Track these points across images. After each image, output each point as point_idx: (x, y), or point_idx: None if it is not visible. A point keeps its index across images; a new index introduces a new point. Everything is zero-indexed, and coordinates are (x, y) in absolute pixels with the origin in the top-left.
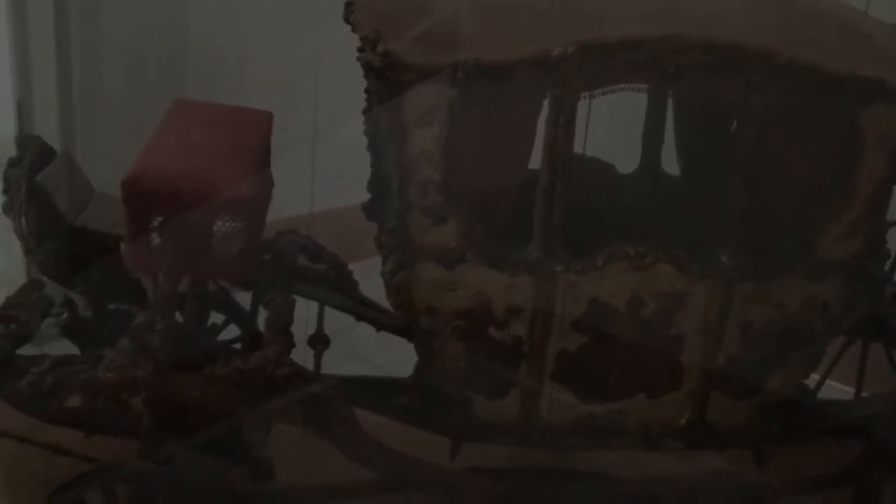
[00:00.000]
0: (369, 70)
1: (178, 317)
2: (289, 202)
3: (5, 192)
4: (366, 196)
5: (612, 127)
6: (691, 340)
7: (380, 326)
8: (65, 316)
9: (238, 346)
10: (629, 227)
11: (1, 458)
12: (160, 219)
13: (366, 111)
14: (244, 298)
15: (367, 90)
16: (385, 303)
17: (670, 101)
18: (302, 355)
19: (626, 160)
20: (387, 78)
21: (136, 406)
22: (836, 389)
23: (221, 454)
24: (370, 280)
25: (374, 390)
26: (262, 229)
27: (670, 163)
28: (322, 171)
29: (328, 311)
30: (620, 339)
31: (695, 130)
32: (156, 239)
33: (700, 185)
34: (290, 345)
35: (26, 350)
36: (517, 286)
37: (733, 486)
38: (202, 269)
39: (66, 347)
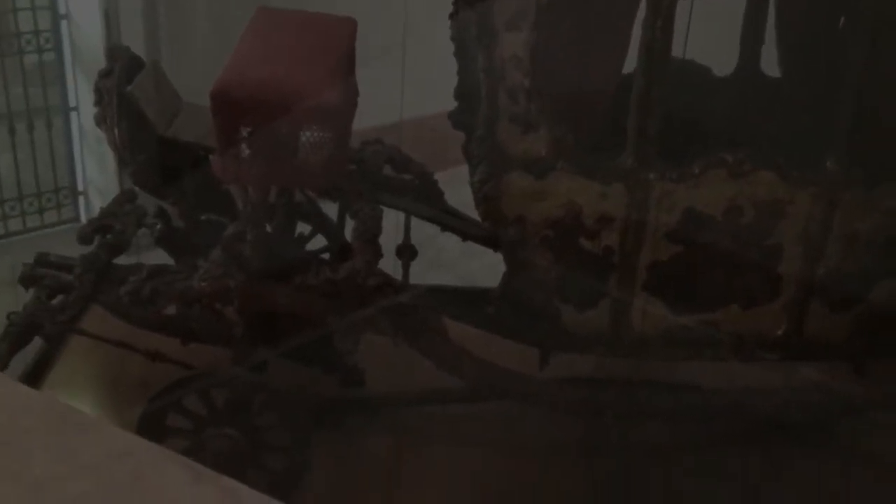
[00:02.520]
0: None
1: (268, 227)
2: (374, 111)
3: (97, 103)
4: (452, 104)
5: (708, 27)
6: (790, 250)
7: (465, 236)
8: (158, 226)
9: (326, 256)
10: (727, 134)
11: (102, 363)
12: (248, 129)
13: (453, 15)
14: (331, 209)
15: None
16: (471, 212)
17: None
18: (389, 265)
19: (723, 62)
20: None
21: (230, 315)
22: None
23: (312, 362)
24: (455, 188)
25: (463, 300)
26: (348, 138)
27: (770, 65)
28: (407, 78)
29: (414, 220)
30: (715, 248)
31: (799, 28)
32: (244, 149)
33: (803, 88)
34: (378, 255)
35: (122, 260)
36: (609, 195)
37: (830, 399)
38: (290, 179)
39: (160, 257)
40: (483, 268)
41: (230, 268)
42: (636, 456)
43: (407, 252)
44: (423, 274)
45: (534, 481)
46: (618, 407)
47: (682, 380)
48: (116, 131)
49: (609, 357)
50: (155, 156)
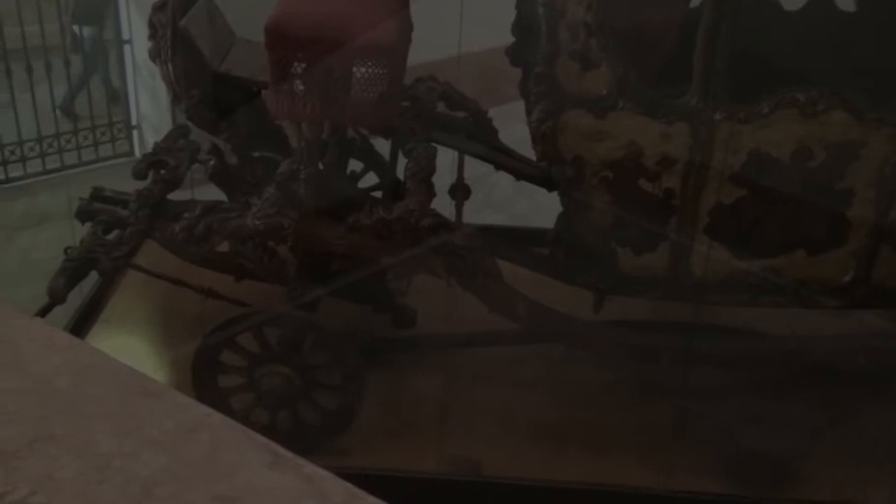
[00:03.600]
0: None
1: (321, 165)
2: (428, 46)
3: (151, 37)
4: (509, 39)
5: None
6: (862, 194)
7: (520, 176)
8: (212, 162)
9: (378, 194)
10: (798, 71)
11: (158, 299)
12: (302, 65)
13: None
14: (383, 147)
15: None
16: (525, 150)
17: None
18: (442, 204)
19: None
20: None
21: (283, 253)
22: None
23: (365, 301)
24: (510, 126)
25: (517, 241)
26: (401, 75)
27: None
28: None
29: (467, 158)
30: (782, 192)
31: None
32: (298, 85)
33: (878, 21)
34: (432, 194)
35: (176, 196)
36: (672, 136)
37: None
38: (343, 116)
39: (214, 193)
40: (537, 208)
41: (283, 206)
42: (691, 400)
43: (460, 191)
44: (476, 214)
45: (584, 424)
46: (671, 352)
47: (740, 325)
48: (170, 66)
49: (666, 301)
50: (208, 91)
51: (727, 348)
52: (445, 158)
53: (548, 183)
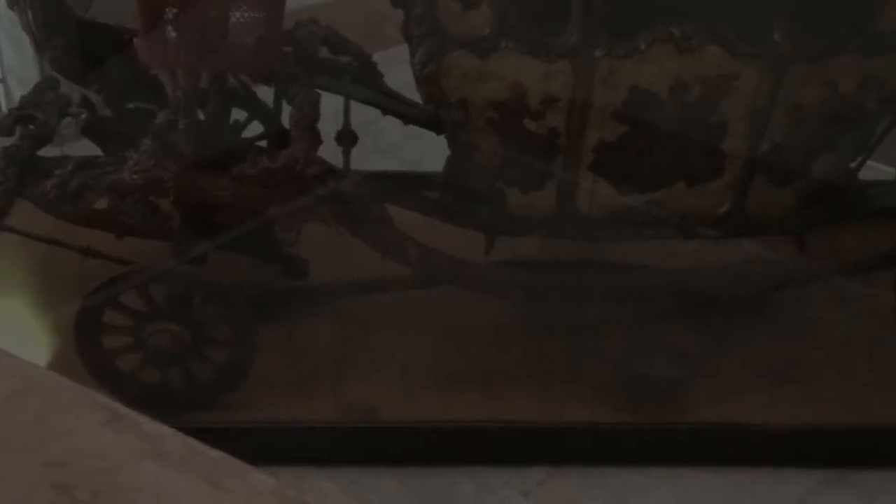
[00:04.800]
0: None
1: (200, 115)
2: None
3: None
4: None
5: None
6: (736, 127)
7: (407, 120)
8: (83, 116)
9: (263, 143)
10: (674, 8)
11: (33, 261)
12: (174, 10)
13: None
14: (266, 94)
15: None
16: (412, 94)
17: None
18: (328, 151)
19: None
20: None
21: (165, 207)
22: (878, 170)
23: (254, 253)
24: (395, 70)
25: (405, 186)
26: (280, 19)
27: None
28: None
29: (353, 104)
30: (661, 127)
31: None
32: (171, 32)
33: None
34: (318, 142)
35: (47, 152)
36: (554, 74)
37: (772, 273)
38: (221, 63)
39: (87, 149)
40: (426, 152)
41: (162, 158)
42: (582, 335)
43: (347, 138)
44: (364, 160)
45: (479, 365)
46: (563, 288)
47: (627, 259)
48: (30, 13)
49: (555, 239)
50: (74, 40)
51: (614, 282)
52: (332, 105)
53: (435, 126)
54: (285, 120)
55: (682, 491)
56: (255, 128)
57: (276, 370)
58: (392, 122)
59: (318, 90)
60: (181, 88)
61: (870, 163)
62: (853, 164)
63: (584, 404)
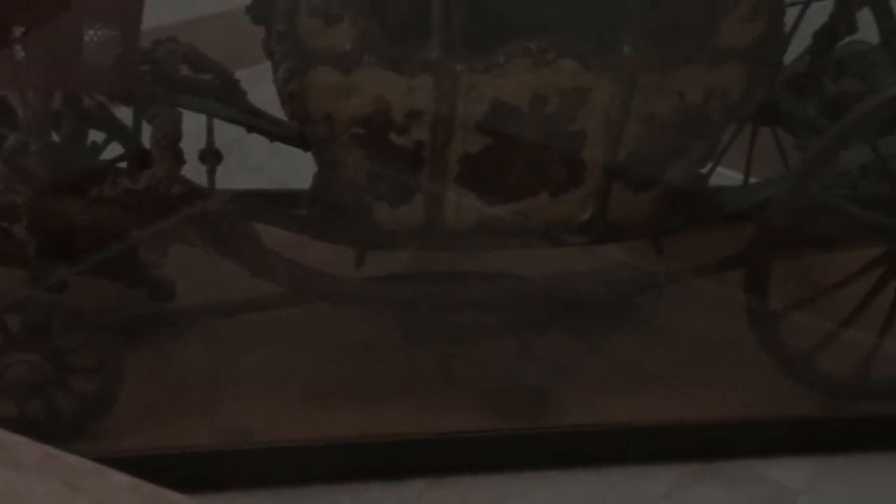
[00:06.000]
0: None
1: (55, 137)
2: (164, 8)
3: None
4: None
5: None
6: (593, 136)
7: (273, 137)
8: None
9: (124, 165)
10: (532, 23)
11: None
12: (22, 27)
13: None
14: (125, 114)
15: None
16: (277, 112)
17: None
18: (193, 171)
19: None
20: None
21: (19, 233)
22: (727, 176)
23: (118, 277)
24: (260, 87)
25: (273, 204)
26: (137, 37)
27: None
28: None
29: (217, 123)
30: (523, 139)
31: None
32: (19, 51)
33: None
34: (181, 161)
35: None
36: (417, 89)
37: (634, 277)
38: (75, 83)
39: None
40: (296, 170)
41: (13, 183)
42: (454, 344)
43: (211, 156)
44: (231, 179)
45: (354, 379)
46: (434, 299)
47: (495, 269)
48: None
49: (424, 251)
50: None
51: (484, 292)
52: (195, 124)
53: (302, 143)
54: (146, 140)
55: (557, 492)
56: (115, 149)
57: (146, 396)
58: (258, 141)
59: (179, 109)
60: (33, 110)
61: (719, 169)
62: (703, 171)
63: (459, 413)
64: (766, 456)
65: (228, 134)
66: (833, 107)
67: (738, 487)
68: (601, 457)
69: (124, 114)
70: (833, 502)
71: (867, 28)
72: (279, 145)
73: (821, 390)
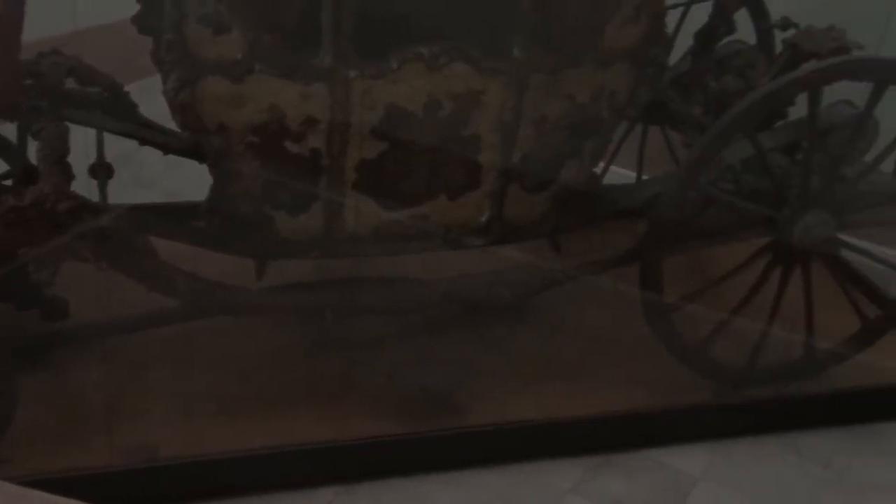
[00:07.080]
0: None
1: None
2: (47, 20)
3: None
4: (135, 7)
5: None
6: (487, 139)
7: (166, 149)
8: None
9: (9, 182)
10: (424, 29)
11: None
12: None
13: None
14: (9, 130)
15: None
16: (169, 123)
17: None
18: (85, 186)
19: None
20: None
21: None
22: (620, 175)
23: (7, 297)
24: (152, 100)
25: (169, 217)
26: (18, 50)
27: None
28: None
29: (108, 136)
30: (419, 143)
31: None
32: None
33: None
34: (69, 176)
35: None
36: (311, 96)
37: (532, 275)
38: None
39: None
40: (192, 182)
41: None
42: (358, 351)
43: (102, 170)
44: (124, 193)
45: (259, 390)
46: (337, 306)
47: (397, 274)
48: None
49: (325, 259)
50: None
51: (386, 297)
52: (84, 138)
53: (196, 154)
54: (32, 156)
55: (467, 493)
56: None
57: (42, 419)
58: (152, 154)
59: (66, 123)
60: None
61: (614, 168)
62: (596, 170)
63: (365, 419)
64: (666, 445)
65: (122, 148)
66: (716, 104)
67: (640, 476)
68: (508, 455)
69: (8, 129)
70: (730, 484)
71: (744, 28)
72: (173, 157)
73: (715, 378)
